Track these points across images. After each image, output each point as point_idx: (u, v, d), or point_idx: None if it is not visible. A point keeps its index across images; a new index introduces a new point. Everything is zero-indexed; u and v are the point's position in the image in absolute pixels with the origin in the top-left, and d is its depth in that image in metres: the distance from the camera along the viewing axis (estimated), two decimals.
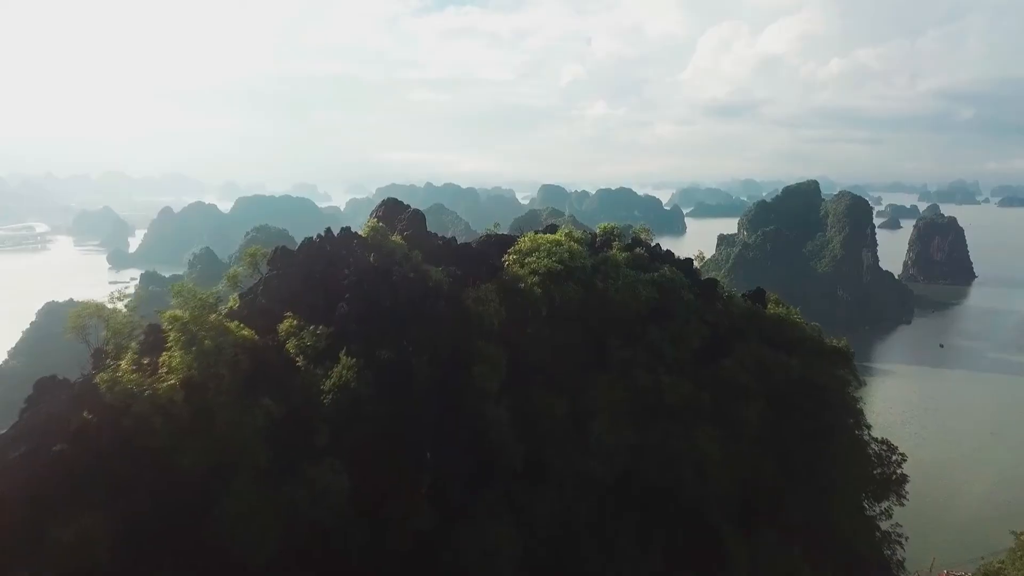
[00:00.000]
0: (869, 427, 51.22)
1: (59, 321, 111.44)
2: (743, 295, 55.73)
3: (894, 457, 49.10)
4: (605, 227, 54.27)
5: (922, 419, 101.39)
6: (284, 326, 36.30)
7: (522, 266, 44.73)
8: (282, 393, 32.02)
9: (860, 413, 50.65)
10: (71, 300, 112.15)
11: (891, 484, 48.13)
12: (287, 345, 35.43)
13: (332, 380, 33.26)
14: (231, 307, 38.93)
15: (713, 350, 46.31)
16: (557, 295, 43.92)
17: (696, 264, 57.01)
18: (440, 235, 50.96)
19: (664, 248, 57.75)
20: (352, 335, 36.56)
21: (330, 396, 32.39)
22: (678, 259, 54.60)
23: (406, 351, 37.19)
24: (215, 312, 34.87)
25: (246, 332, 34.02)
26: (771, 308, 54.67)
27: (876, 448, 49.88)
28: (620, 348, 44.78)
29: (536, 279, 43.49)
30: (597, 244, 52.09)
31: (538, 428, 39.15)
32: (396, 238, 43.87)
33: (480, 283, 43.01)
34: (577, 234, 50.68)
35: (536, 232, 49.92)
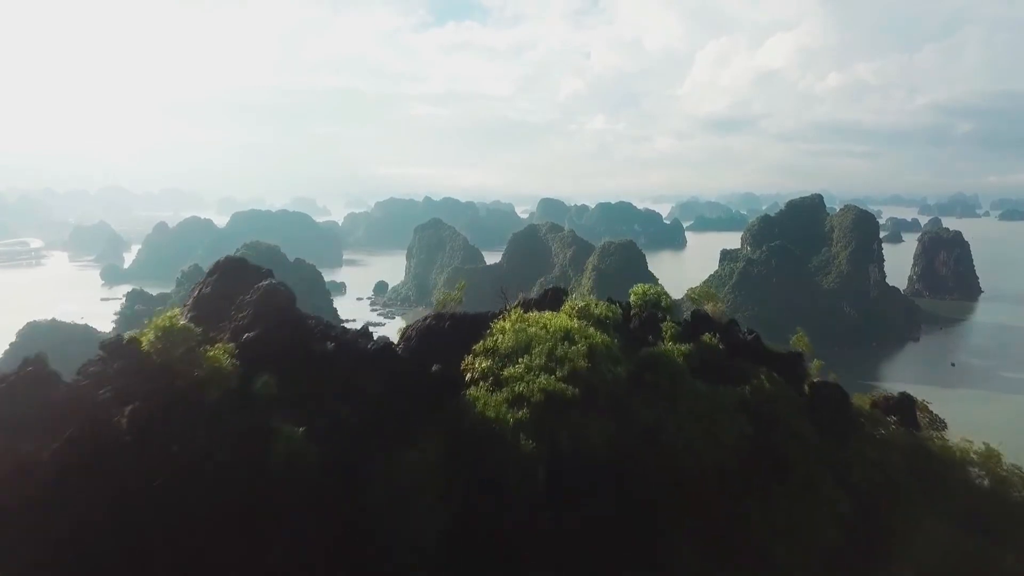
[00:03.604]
0: None
1: (41, 341, 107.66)
2: (749, 333, 28.19)
3: None
4: (643, 291, 27.84)
5: None
6: None
7: (497, 386, 20.65)
8: None
9: None
10: (54, 320, 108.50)
11: None
12: None
13: None
14: None
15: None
16: (567, 441, 20.17)
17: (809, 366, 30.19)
18: (327, 326, 21.90)
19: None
20: None
21: None
22: (771, 350, 28.17)
23: None
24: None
25: None
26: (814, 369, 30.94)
27: None
28: (688, 553, 20.07)
29: (524, 415, 19.52)
30: (634, 325, 26.71)
31: None
32: (218, 351, 18.61)
33: (408, 438, 19.23)
34: (598, 309, 24.87)
35: (525, 308, 25.37)
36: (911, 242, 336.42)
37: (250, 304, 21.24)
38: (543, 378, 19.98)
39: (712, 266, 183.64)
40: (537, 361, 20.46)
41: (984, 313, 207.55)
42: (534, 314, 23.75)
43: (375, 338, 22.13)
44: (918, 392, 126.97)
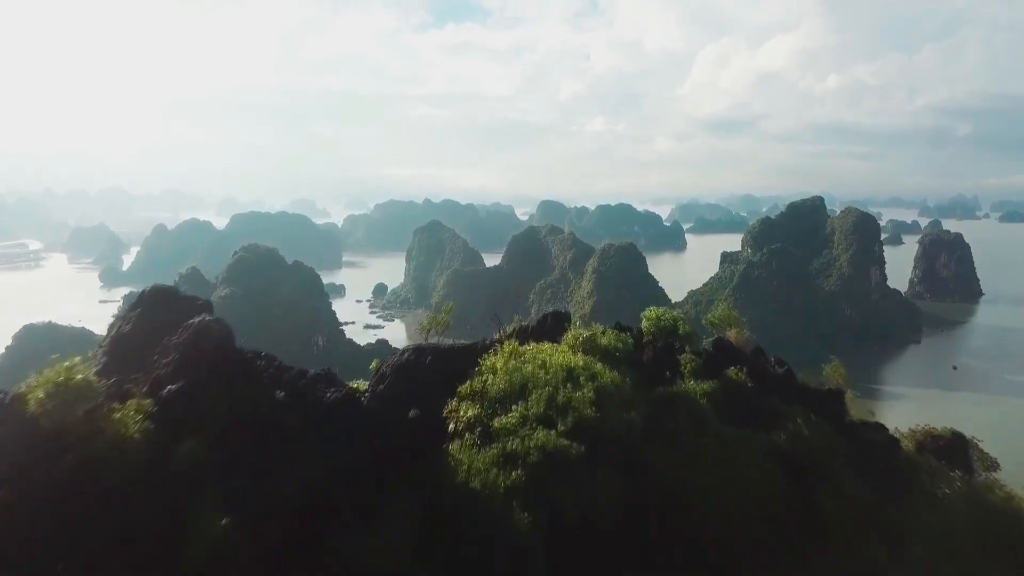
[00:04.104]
0: None
1: (37, 344, 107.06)
2: (780, 365, 24.67)
3: None
4: (657, 317, 23.82)
5: None
6: None
7: (486, 440, 16.69)
8: None
9: None
10: (50, 322, 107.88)
11: None
12: None
13: None
14: None
15: None
16: (571, 511, 16.06)
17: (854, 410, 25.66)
18: (279, 369, 17.65)
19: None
20: None
21: None
22: (806, 385, 24.29)
23: None
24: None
25: None
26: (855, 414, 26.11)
27: None
28: None
29: (518, 478, 15.65)
30: (647, 357, 22.63)
31: None
32: (128, 412, 14.48)
33: (372, 515, 15.38)
34: (605, 339, 21.22)
35: (521, 337, 21.28)
36: (911, 244, 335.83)
37: (175, 348, 16.46)
38: (541, 433, 16.47)
39: (712, 268, 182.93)
40: (534, 409, 16.91)
41: (985, 315, 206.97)
42: (531, 347, 19.71)
43: (343, 385, 18.18)
44: (919, 394, 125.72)
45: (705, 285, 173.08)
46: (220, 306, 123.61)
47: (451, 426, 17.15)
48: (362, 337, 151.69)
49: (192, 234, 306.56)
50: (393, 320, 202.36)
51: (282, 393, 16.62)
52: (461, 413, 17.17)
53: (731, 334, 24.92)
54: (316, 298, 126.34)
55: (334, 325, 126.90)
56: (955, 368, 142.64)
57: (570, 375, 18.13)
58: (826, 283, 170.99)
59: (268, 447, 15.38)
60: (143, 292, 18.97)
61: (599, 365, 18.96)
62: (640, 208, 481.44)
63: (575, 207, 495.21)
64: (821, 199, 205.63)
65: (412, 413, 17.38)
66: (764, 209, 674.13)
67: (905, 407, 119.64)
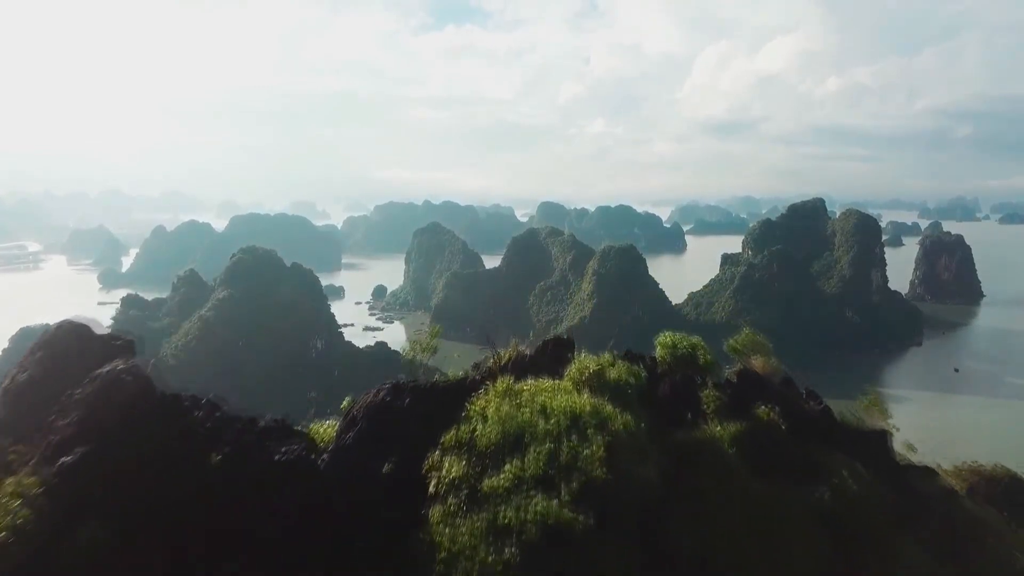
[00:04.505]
0: None
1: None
2: (816, 401, 21.86)
3: None
4: (673, 343, 20.19)
5: (943, 451, 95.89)
6: None
7: (474, 504, 13.78)
8: None
9: None
10: (47, 325, 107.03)
11: None
12: None
13: None
14: None
15: None
16: None
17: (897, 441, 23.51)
18: (219, 422, 14.75)
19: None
20: None
21: None
22: (847, 424, 21.31)
23: None
24: None
25: None
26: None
27: None
28: None
29: (513, 557, 12.59)
30: (662, 391, 18.97)
31: None
32: (10, 488, 11.68)
33: None
34: (614, 372, 17.66)
35: (517, 369, 17.81)
36: (911, 246, 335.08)
37: (78, 404, 13.24)
38: (541, 501, 13.70)
39: (713, 270, 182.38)
40: (532, 468, 14.05)
41: (986, 317, 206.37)
42: (528, 385, 16.73)
43: (301, 437, 15.07)
44: (921, 397, 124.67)
45: (705, 287, 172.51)
46: (219, 308, 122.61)
47: (432, 485, 14.31)
48: (361, 339, 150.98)
49: (191, 236, 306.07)
50: (392, 322, 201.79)
51: (219, 456, 13.39)
52: (444, 471, 14.34)
53: (757, 362, 21.74)
54: (315, 300, 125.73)
55: (333, 327, 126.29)
56: (957, 371, 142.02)
57: (575, 423, 15.19)
58: (827, 285, 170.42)
59: (195, 530, 12.25)
60: (46, 331, 15.62)
61: (608, 407, 16.09)
62: (640, 210, 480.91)
63: (575, 208, 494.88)
64: (822, 201, 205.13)
65: (386, 467, 14.57)
66: (764, 211, 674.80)
67: (907, 410, 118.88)
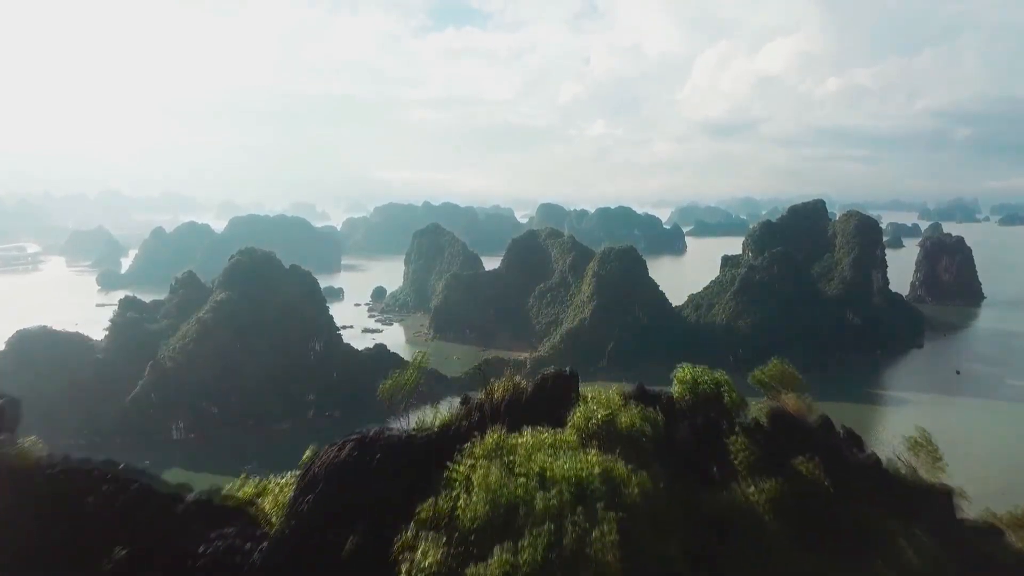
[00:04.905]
0: None
1: (31, 349, 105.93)
2: (857, 446, 20.89)
3: None
4: (693, 378, 17.45)
5: (946, 455, 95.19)
6: None
7: None
8: None
9: None
10: (43, 327, 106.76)
11: None
12: None
13: None
14: None
15: None
16: None
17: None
18: (132, 500, 11.05)
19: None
20: None
21: None
22: (902, 478, 19.38)
23: None
24: None
25: None
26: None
27: None
28: None
29: None
30: (681, 434, 15.74)
31: None
32: None
33: None
34: (626, 418, 14.67)
35: (510, 417, 14.58)
36: (911, 247, 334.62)
37: None
38: None
39: (713, 271, 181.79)
40: (528, 555, 11.07)
41: (987, 319, 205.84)
42: (524, 438, 13.66)
43: (237, 516, 12.59)
44: (923, 399, 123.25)
45: (706, 288, 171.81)
46: (217, 310, 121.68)
47: (404, 571, 11.54)
48: (360, 341, 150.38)
49: (190, 237, 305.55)
50: (392, 324, 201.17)
51: (124, 551, 10.40)
52: (419, 555, 11.45)
53: (788, 400, 18.70)
54: (313, 302, 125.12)
55: (332, 329, 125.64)
56: (959, 373, 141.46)
57: (581, 495, 12.14)
58: (828, 287, 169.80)
59: None
60: None
61: (621, 467, 13.13)
62: (640, 211, 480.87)
63: (575, 210, 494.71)
64: (822, 202, 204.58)
65: (348, 544, 11.68)
66: (764, 212, 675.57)
67: (910, 413, 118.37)
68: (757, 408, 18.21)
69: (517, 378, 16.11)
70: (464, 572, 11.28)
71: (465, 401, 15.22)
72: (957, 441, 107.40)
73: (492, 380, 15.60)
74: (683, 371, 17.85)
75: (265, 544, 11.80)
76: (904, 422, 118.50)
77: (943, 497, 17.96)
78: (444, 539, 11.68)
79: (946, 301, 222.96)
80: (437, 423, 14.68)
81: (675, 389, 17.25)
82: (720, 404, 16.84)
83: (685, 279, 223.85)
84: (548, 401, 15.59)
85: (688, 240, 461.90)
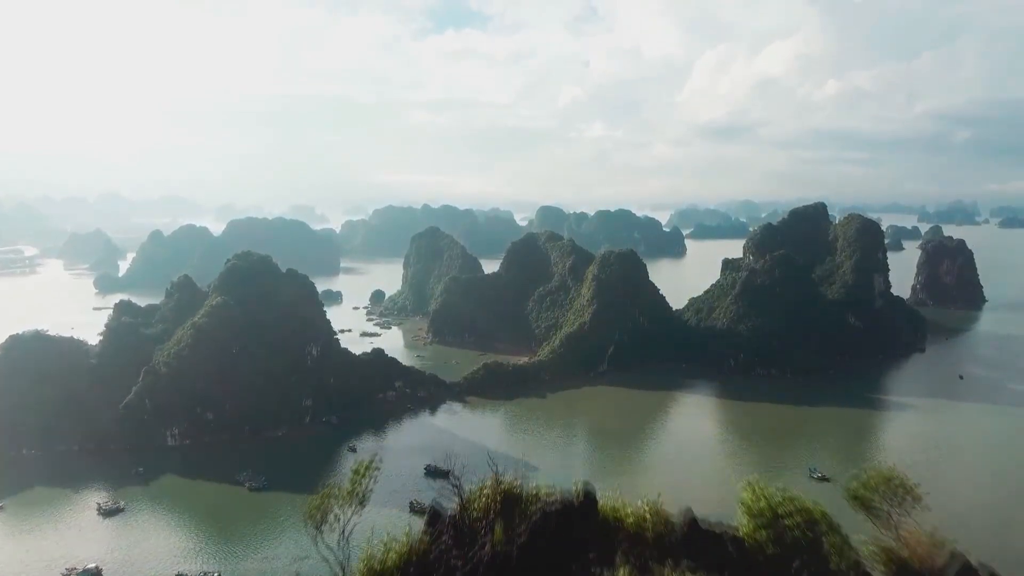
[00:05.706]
0: None
1: (23, 355, 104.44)
2: None
3: None
4: (767, 502, 11.50)
5: (949, 460, 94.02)
6: None
7: None
8: None
9: None
10: (37, 332, 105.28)
11: None
12: None
13: None
14: None
15: None
16: None
17: None
18: None
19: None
20: None
21: None
22: None
23: None
24: None
25: None
26: None
27: None
28: None
29: None
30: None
31: None
32: None
33: None
34: (648, 523, 12.35)
35: (528, 554, 11.43)
36: (912, 250, 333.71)
37: None
38: None
39: (712, 274, 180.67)
40: None
41: (989, 323, 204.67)
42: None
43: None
44: (926, 404, 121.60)
45: (706, 292, 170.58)
46: (212, 315, 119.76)
47: None
48: (358, 346, 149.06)
49: (188, 240, 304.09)
50: (390, 327, 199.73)
51: None
52: None
53: (911, 537, 12.07)
54: (311, 306, 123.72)
55: (329, 333, 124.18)
56: (961, 378, 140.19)
57: None
58: (829, 290, 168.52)
59: None
60: None
61: None
62: (639, 214, 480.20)
63: (574, 212, 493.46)
64: (823, 205, 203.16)
65: None
66: (763, 215, 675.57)
67: (913, 418, 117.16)
68: (862, 546, 12.00)
69: (502, 478, 10.09)
70: None
71: (434, 518, 10.70)
72: (964, 447, 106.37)
73: (468, 491, 10.32)
74: (749, 492, 12.23)
75: None
76: (910, 428, 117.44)
77: None
78: None
79: (947, 304, 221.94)
80: (392, 556, 10.35)
81: (741, 519, 11.64)
82: (817, 553, 10.61)
83: (685, 282, 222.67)
84: (573, 522, 10.60)
85: (688, 243, 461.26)
